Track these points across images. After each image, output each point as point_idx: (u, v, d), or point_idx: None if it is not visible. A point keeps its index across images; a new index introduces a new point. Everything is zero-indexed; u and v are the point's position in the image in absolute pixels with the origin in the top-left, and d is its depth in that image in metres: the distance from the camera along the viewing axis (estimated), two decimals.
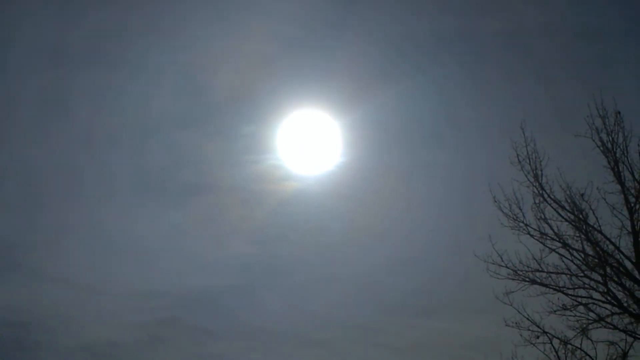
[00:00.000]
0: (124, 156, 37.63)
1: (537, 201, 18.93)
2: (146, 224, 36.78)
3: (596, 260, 18.30)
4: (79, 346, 32.41)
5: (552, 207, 18.79)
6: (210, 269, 35.56)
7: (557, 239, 18.70)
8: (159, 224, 36.91)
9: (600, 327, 18.85)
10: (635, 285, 17.92)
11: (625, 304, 18.07)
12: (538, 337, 19.50)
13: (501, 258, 19.21)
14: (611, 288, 18.19)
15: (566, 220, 18.71)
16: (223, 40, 35.00)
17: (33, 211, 36.05)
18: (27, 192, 36.34)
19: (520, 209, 19.15)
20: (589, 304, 18.66)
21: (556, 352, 19.64)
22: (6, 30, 35.56)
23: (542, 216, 18.86)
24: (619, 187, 18.15)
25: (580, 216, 18.43)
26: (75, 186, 37.12)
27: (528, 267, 18.99)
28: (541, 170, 18.94)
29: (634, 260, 17.81)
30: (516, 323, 19.49)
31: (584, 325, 18.90)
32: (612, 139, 18.22)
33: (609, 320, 18.52)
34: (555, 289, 18.85)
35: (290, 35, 35.10)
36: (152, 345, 33.31)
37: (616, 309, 18.24)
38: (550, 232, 18.81)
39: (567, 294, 18.81)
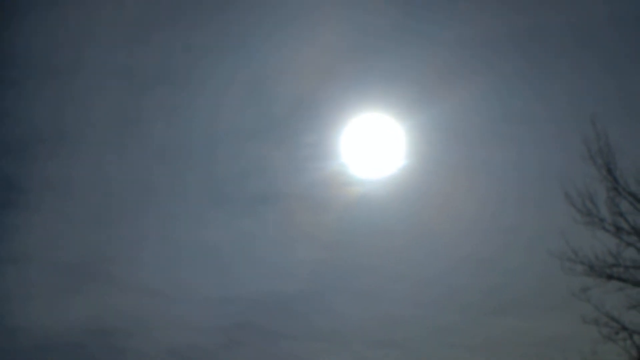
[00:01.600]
0: (195, 167, 38.84)
1: (611, 195, 18.64)
2: (218, 233, 37.77)
3: None
4: (162, 350, 33.62)
5: (627, 200, 18.49)
6: (281, 274, 36.18)
7: (634, 233, 18.38)
8: (230, 232, 37.85)
9: None
10: None
11: None
12: (618, 333, 19.09)
13: (576, 254, 19.00)
14: None
15: None
16: (283, 52, 35.79)
17: (110, 223, 37.61)
18: (104, 205, 37.96)
19: (594, 204, 18.89)
20: None
21: (637, 347, 19.25)
22: (79, 53, 37.36)
23: (617, 210, 18.55)
24: None
25: None
26: (150, 198, 38.51)
27: (604, 262, 18.71)
28: (614, 164, 18.68)
29: None
30: (594, 320, 19.10)
31: None
32: None
33: None
34: (634, 284, 18.52)
35: (351, 42, 35.54)
36: (231, 348, 34.19)
37: None
38: (626, 226, 18.48)
39: None
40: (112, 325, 34.33)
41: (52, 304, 34.87)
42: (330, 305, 35.53)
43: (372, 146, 34.92)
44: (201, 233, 37.28)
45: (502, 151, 34.31)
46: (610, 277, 18.69)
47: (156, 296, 35.23)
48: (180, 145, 38.52)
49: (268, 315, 35.04)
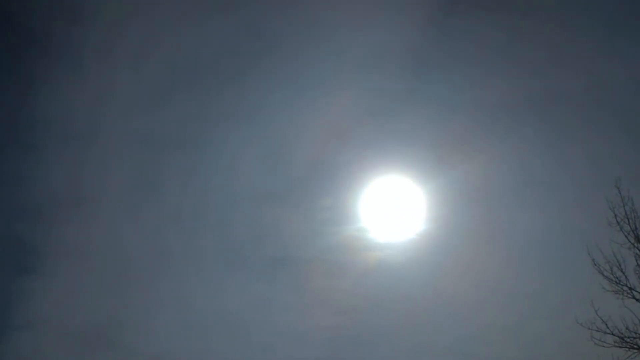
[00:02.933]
0: (210, 232, 38.75)
1: None
2: (233, 298, 37.27)
3: None
4: None
5: None
6: (297, 340, 35.38)
7: None
8: (245, 297, 37.33)
9: None
10: None
11: None
12: None
13: (606, 325, 18.34)
14: None
15: None
16: (300, 116, 36.13)
17: (126, 289, 37.34)
18: (120, 270, 37.79)
19: (623, 272, 18.37)
20: None
21: None
22: (97, 118, 38.07)
23: None
24: None
25: None
26: (165, 263, 38.32)
27: (636, 333, 18.04)
28: None
29: None
30: None
31: None
32: None
33: None
34: None
35: (367, 106, 35.83)
36: None
37: None
38: None
39: None
40: None
41: None
42: None
43: (391, 210, 34.64)
44: (216, 298, 36.85)
45: (524, 215, 33.85)
46: None
47: None
48: (196, 209, 38.61)
49: None
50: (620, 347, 18.28)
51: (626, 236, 18.37)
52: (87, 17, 35.83)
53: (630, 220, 18.37)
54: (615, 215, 18.63)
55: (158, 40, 36.14)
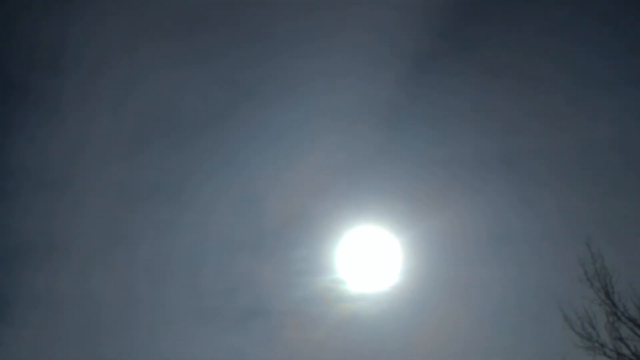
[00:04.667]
0: (182, 282, 38.35)
1: (610, 320, 18.29)
2: (204, 349, 36.64)
3: None
4: None
5: (627, 326, 18.10)
6: None
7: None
8: (216, 348, 36.72)
9: None
10: None
11: None
12: None
13: None
14: None
15: None
16: (273, 168, 36.43)
17: (94, 339, 36.61)
18: (88, 320, 37.12)
19: (594, 328, 18.52)
20: None
21: None
22: (70, 167, 38.05)
23: (618, 335, 18.15)
24: None
25: None
26: (135, 313, 37.75)
27: None
28: (612, 287, 18.44)
29: None
30: None
31: None
32: None
33: None
34: None
35: (342, 159, 36.22)
36: None
37: None
38: (627, 352, 18.01)
39: None
40: None
41: None
42: None
43: (366, 261, 34.63)
44: (187, 350, 36.20)
45: (498, 268, 34.04)
46: None
47: None
48: (168, 258, 38.31)
49: None
50: None
51: (596, 293, 18.58)
52: (64, 67, 36.19)
53: (601, 277, 18.60)
54: (586, 272, 18.87)
55: (134, 90, 36.50)
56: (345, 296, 34.58)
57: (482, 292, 33.87)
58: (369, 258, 34.48)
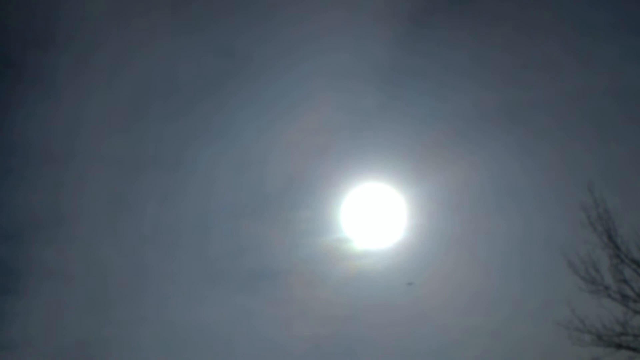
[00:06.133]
0: (188, 248, 38.75)
1: (614, 262, 18.50)
2: (214, 311, 37.20)
3: None
4: None
5: (630, 267, 18.33)
6: (279, 351, 35.38)
7: None
8: (226, 309, 37.29)
9: None
10: None
11: None
12: None
13: (583, 323, 18.69)
14: None
15: None
16: (272, 133, 36.45)
17: (105, 307, 37.15)
18: (100, 289, 37.63)
19: (598, 272, 18.75)
20: None
21: None
22: (71, 141, 38.15)
23: (622, 277, 18.38)
24: None
25: None
26: (144, 280, 38.23)
27: (612, 331, 18.39)
28: (615, 230, 18.62)
29: None
30: None
31: None
32: None
33: None
34: None
35: (341, 121, 36.22)
36: None
37: None
38: (631, 293, 18.27)
39: None
40: None
41: None
42: None
43: (371, 218, 34.88)
44: (197, 312, 36.77)
45: (503, 221, 34.23)
46: (619, 346, 18.31)
47: None
48: (173, 226, 38.64)
49: None
50: (597, 345, 18.61)
51: (599, 237, 18.77)
52: (59, 43, 36.05)
53: (603, 221, 18.76)
54: (589, 217, 19.03)
55: (129, 62, 36.41)
56: (351, 254, 34.93)
57: (488, 245, 34.17)
58: (373, 216, 34.74)
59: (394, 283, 34.66)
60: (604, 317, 18.46)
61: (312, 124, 35.36)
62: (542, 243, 32.14)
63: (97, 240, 38.58)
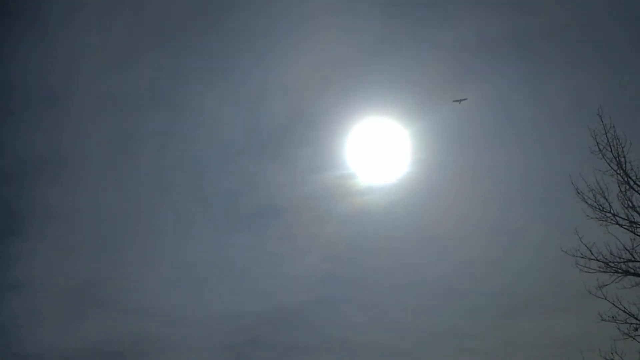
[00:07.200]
0: (193, 189, 38.82)
1: (623, 189, 18.33)
2: (221, 249, 37.59)
3: None
4: None
5: (639, 194, 18.18)
6: (288, 286, 35.95)
7: None
8: (233, 248, 37.69)
9: None
10: None
11: None
12: (637, 330, 18.73)
13: (590, 251, 18.66)
14: None
15: None
16: (272, 70, 35.93)
17: (112, 250, 37.47)
18: (105, 233, 37.84)
19: (606, 199, 18.58)
20: None
21: None
22: (70, 81, 37.60)
23: (630, 204, 18.24)
24: None
25: None
26: (151, 222, 38.49)
27: (620, 258, 18.37)
28: (624, 157, 18.36)
29: None
30: (612, 317, 18.76)
31: None
32: None
33: None
34: None
35: (343, 56, 35.65)
36: None
37: None
38: None
39: None
40: (120, 348, 34.01)
41: (60, 330, 34.59)
42: (338, 315, 35.24)
43: (374, 154, 34.70)
44: (204, 251, 37.13)
45: (506, 153, 34.18)
46: (626, 272, 18.32)
47: (164, 317, 35.01)
48: (177, 167, 38.66)
49: (278, 328, 34.79)
50: (604, 272, 18.62)
51: (609, 163, 18.51)
52: None
53: (613, 147, 18.47)
54: (598, 143, 18.71)
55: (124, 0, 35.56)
56: (354, 190, 34.97)
57: (491, 177, 34.18)
58: (377, 151, 34.58)
59: (397, 217, 34.85)
60: (612, 244, 18.43)
61: (312, 59, 34.82)
62: (546, 173, 32.16)
63: (101, 181, 38.73)
